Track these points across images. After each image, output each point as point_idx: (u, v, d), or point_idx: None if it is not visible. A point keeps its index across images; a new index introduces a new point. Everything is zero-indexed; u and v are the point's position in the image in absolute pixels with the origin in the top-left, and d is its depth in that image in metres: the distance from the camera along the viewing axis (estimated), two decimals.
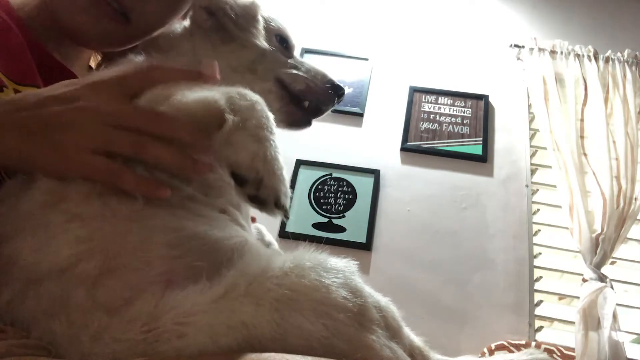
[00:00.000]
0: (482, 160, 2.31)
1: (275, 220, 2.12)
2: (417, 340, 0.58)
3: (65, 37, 0.72)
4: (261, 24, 0.75)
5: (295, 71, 0.77)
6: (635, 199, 2.08)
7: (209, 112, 0.50)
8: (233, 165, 0.48)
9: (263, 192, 0.48)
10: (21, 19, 0.68)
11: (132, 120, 0.50)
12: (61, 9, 0.67)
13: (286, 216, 0.50)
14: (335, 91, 0.79)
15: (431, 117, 2.43)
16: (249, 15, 0.73)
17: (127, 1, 0.66)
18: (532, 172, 2.32)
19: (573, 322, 1.90)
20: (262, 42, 0.73)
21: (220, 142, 0.49)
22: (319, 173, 2.29)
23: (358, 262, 0.52)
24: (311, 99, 0.78)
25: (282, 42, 0.77)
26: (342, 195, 2.24)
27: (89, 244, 0.46)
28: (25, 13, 0.70)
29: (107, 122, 0.50)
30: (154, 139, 0.50)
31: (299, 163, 2.29)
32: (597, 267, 1.95)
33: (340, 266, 0.49)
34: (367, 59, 2.60)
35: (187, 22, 0.74)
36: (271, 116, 0.53)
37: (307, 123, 0.80)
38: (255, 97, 0.53)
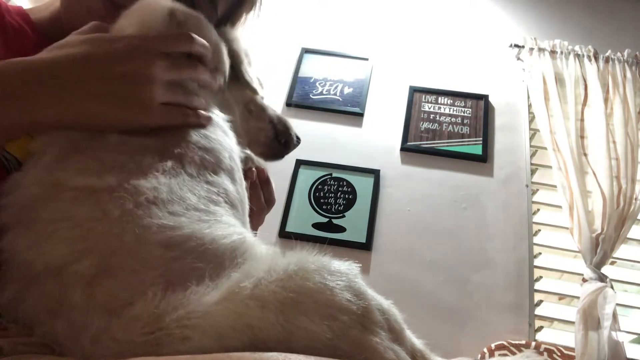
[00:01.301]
0: (482, 160, 2.31)
1: (275, 221, 2.13)
2: (418, 343, 0.58)
3: None
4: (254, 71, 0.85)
5: (280, 115, 0.90)
6: (636, 199, 2.08)
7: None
8: None
9: None
10: (36, 24, 0.71)
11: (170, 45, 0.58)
12: (76, 18, 0.70)
13: None
14: (298, 140, 0.93)
15: (431, 117, 2.43)
16: (249, 61, 0.82)
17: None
18: (532, 172, 2.32)
19: (573, 322, 1.90)
20: (258, 86, 0.83)
21: None
22: (319, 173, 2.29)
23: (360, 265, 0.52)
24: (286, 138, 0.90)
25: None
26: (342, 195, 2.24)
27: (82, 244, 0.46)
28: (39, 20, 0.73)
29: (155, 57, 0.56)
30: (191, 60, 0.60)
31: (299, 163, 2.29)
32: (597, 267, 1.95)
33: (344, 269, 0.49)
34: (367, 59, 2.60)
35: None
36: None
37: (282, 157, 0.92)
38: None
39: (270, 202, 0.85)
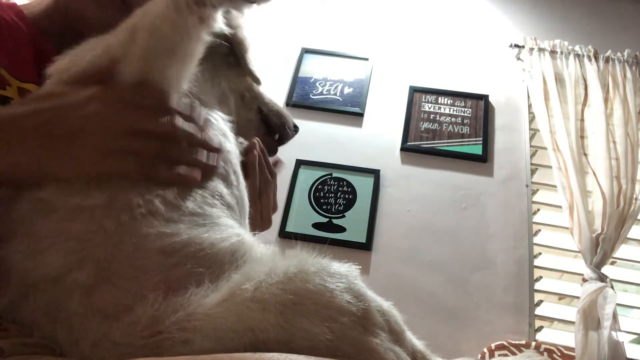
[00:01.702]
0: (482, 160, 2.31)
1: (276, 221, 2.12)
2: (419, 344, 0.58)
3: (69, 33, 0.72)
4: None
5: (276, 107, 0.85)
6: (636, 199, 2.08)
7: (180, 10, 0.53)
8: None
9: None
10: (30, 19, 0.71)
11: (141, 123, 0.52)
12: (73, 3, 0.70)
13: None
14: (296, 129, 0.88)
15: (431, 117, 2.43)
16: (252, 51, 0.80)
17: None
18: (532, 172, 2.32)
19: (573, 322, 1.90)
20: (259, 74, 0.81)
21: None
22: (319, 173, 2.29)
23: (360, 266, 0.52)
24: (281, 132, 0.86)
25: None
26: (342, 195, 2.24)
27: (80, 254, 0.46)
28: (34, 15, 0.72)
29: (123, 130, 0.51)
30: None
31: (299, 163, 2.29)
32: (597, 267, 1.95)
33: (343, 271, 0.50)
34: (367, 59, 2.60)
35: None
36: None
37: (275, 152, 0.88)
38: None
39: (273, 207, 0.83)
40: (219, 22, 0.57)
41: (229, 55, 0.78)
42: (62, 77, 0.57)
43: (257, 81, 0.81)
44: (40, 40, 0.69)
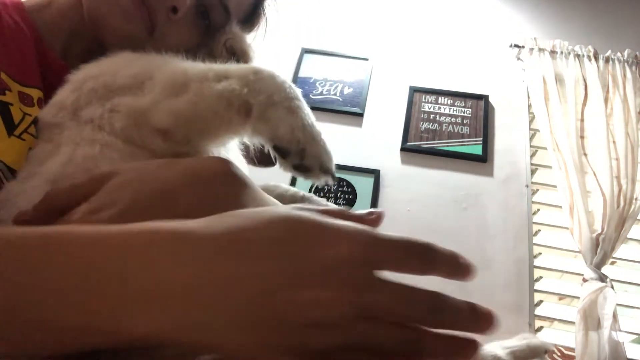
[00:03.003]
0: (482, 160, 2.31)
1: None
2: None
3: (85, 41, 0.72)
4: None
5: None
6: (636, 199, 2.08)
7: (231, 106, 0.51)
8: (274, 139, 0.49)
9: (307, 161, 0.50)
10: (31, 20, 0.68)
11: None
12: (105, 16, 0.68)
13: (333, 178, 0.51)
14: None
15: (431, 117, 2.43)
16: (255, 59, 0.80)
17: (158, 16, 0.68)
18: (532, 172, 2.32)
19: (573, 322, 1.90)
20: None
21: (255, 121, 0.50)
22: None
23: None
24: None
25: None
26: (342, 195, 2.24)
27: None
28: (42, 16, 0.70)
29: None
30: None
31: None
32: (597, 267, 1.95)
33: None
34: (367, 59, 2.60)
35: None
36: (293, 85, 0.54)
37: (273, 164, 0.87)
38: (270, 70, 0.54)
39: None
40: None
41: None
42: (97, 90, 0.56)
43: None
44: (40, 48, 0.66)
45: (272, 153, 0.50)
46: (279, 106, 0.50)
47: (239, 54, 0.74)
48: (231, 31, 0.76)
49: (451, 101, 2.48)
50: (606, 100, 2.32)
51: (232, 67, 0.55)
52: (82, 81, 0.59)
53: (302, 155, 0.50)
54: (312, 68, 2.58)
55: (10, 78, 0.59)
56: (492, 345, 0.68)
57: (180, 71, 0.55)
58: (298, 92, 0.53)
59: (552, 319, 2.04)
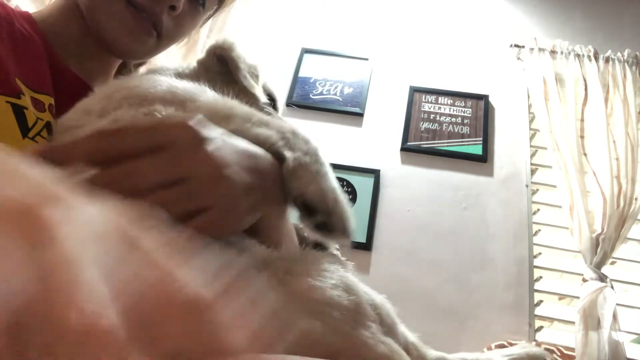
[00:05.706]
0: (482, 160, 2.31)
1: None
2: (412, 336, 0.59)
3: (94, 50, 0.74)
4: (260, 82, 0.83)
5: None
6: (636, 199, 2.08)
7: (266, 149, 0.53)
8: (304, 195, 0.51)
9: (333, 220, 0.51)
10: (42, 31, 0.70)
11: None
12: (107, 31, 0.70)
13: (349, 240, 0.53)
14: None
15: (431, 117, 2.43)
16: (254, 72, 0.80)
17: (159, 19, 0.71)
18: (532, 172, 2.32)
19: (573, 322, 1.90)
20: (260, 93, 0.80)
21: (287, 175, 0.52)
22: None
23: (353, 262, 0.53)
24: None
25: (271, 100, 0.86)
26: None
27: None
28: (49, 26, 0.72)
29: None
30: None
31: None
32: (597, 267, 1.95)
33: (335, 266, 0.50)
34: (367, 59, 2.60)
35: (195, 65, 0.81)
36: (321, 150, 0.57)
37: None
38: (305, 133, 0.57)
39: None
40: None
41: (224, 74, 0.78)
42: (130, 99, 0.57)
43: (253, 97, 0.81)
44: (50, 51, 0.69)
45: (295, 209, 0.52)
46: (312, 166, 0.53)
47: (229, 62, 0.75)
48: (221, 40, 0.78)
49: (451, 101, 2.48)
50: (606, 100, 2.32)
51: (274, 120, 0.58)
52: (113, 91, 0.59)
53: (329, 214, 0.51)
54: (312, 68, 2.58)
55: (23, 84, 0.61)
56: (492, 353, 0.69)
57: (226, 104, 0.57)
58: (326, 158, 0.57)
59: (552, 319, 2.04)
